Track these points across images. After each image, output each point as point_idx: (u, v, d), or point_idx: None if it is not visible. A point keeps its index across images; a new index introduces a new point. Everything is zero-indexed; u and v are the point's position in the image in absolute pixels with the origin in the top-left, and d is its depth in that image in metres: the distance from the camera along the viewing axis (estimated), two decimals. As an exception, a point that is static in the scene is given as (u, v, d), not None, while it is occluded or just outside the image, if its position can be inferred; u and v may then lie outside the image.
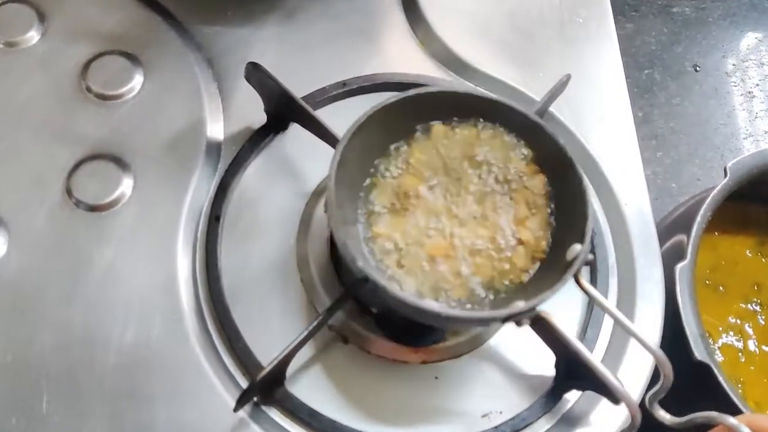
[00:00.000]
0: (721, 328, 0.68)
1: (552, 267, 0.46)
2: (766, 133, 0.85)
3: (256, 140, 0.57)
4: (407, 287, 0.46)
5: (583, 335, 0.55)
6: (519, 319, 0.45)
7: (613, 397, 0.48)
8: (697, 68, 0.88)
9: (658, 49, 0.89)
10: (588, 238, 0.45)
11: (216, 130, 0.58)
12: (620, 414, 0.50)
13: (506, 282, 0.47)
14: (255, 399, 0.49)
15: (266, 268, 0.54)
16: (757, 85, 0.88)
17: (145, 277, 0.52)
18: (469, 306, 0.46)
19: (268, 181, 0.57)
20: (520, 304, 0.43)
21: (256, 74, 0.54)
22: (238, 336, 0.51)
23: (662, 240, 0.65)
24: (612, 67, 0.65)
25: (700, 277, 0.70)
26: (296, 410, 0.49)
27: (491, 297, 0.47)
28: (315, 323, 0.48)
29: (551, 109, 0.60)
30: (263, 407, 0.49)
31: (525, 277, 0.47)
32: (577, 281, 0.46)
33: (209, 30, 0.63)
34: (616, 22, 0.90)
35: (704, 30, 0.91)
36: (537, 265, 0.48)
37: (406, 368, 0.52)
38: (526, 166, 0.50)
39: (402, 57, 0.64)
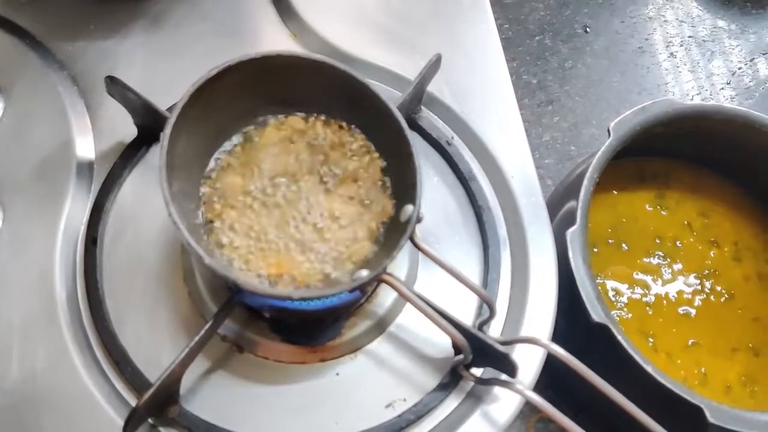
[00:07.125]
0: (627, 285, 0.69)
1: (395, 233, 0.48)
2: (659, 86, 0.87)
3: (128, 155, 0.56)
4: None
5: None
6: (365, 288, 0.48)
7: (507, 368, 0.48)
8: (587, 29, 0.89)
9: (547, 14, 0.89)
10: (419, 198, 0.46)
11: (86, 149, 0.56)
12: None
13: (356, 257, 0.48)
14: (150, 421, 0.47)
15: (152, 286, 0.52)
16: (647, 39, 0.89)
17: (24, 312, 0.50)
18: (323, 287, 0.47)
19: (146, 196, 0.55)
20: (363, 274, 0.46)
21: (116, 88, 0.52)
22: (126, 360, 0.49)
23: (560, 206, 0.66)
24: (488, 41, 0.64)
25: (602, 236, 0.71)
26: (194, 427, 0.48)
27: (347, 273, 0.48)
28: (203, 332, 0.48)
29: (432, 89, 0.60)
30: (162, 429, 0.48)
31: (374, 248, 0.49)
32: (413, 242, 0.48)
33: (72, 46, 0.60)
34: (503, -9, 0.90)
35: (591, -10, 0.92)
36: (383, 234, 0.50)
37: (305, 369, 0.51)
38: (360, 148, 0.52)
39: (276, 52, 0.63)
